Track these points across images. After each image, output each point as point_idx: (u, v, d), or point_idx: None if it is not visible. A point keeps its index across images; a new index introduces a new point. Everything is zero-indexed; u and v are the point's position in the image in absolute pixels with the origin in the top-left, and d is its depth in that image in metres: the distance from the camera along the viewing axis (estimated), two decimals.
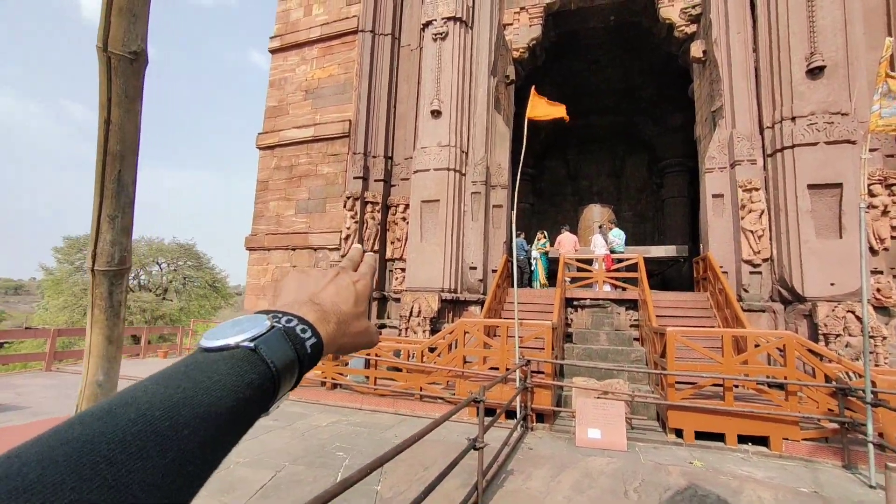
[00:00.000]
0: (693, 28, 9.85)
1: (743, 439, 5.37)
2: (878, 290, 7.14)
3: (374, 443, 5.29)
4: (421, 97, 10.40)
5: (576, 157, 18.38)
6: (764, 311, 7.76)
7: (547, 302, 8.50)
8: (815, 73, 7.54)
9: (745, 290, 7.95)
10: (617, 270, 9.40)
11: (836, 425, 5.02)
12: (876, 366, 6.12)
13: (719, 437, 5.42)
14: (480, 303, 9.30)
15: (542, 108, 6.43)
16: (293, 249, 11.79)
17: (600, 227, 11.09)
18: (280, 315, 0.42)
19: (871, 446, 3.94)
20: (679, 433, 5.58)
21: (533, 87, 6.94)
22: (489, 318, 7.87)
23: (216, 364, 0.35)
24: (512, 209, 6.89)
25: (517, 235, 10.86)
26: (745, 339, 5.97)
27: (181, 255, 23.37)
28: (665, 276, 12.89)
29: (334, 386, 7.42)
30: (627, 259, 9.36)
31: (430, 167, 9.67)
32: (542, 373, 6.35)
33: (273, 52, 13.61)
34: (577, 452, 5.09)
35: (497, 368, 6.43)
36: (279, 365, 0.38)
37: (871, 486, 4.19)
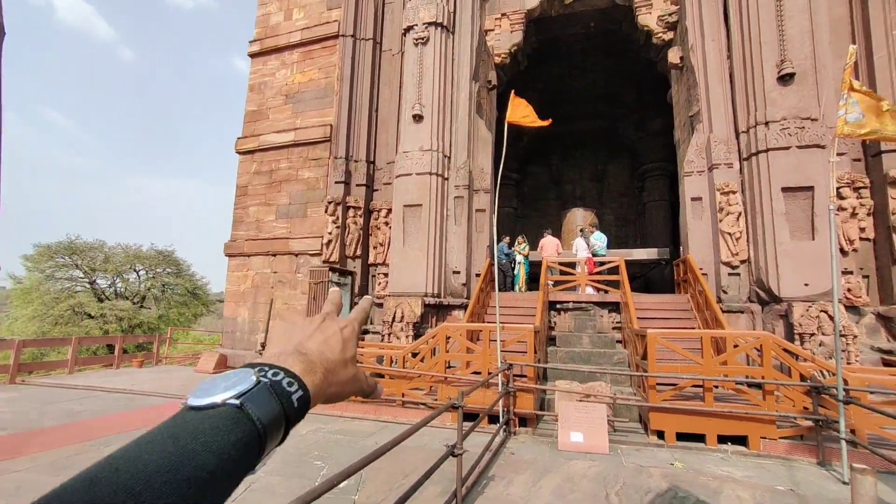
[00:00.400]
0: (670, 35, 10.05)
1: (723, 439, 5.42)
2: (849, 289, 7.34)
3: (354, 451, 5.18)
4: (403, 101, 10.38)
5: (559, 161, 18.57)
6: (742, 312, 7.88)
7: (530, 305, 8.50)
8: (785, 79, 7.75)
9: (725, 292, 8.07)
10: (599, 273, 9.47)
11: (810, 423, 5.09)
12: (848, 364, 6.26)
13: (700, 438, 5.46)
14: (464, 307, 9.26)
15: (521, 112, 6.44)
16: (273, 255, 11.59)
17: (581, 230, 11.18)
18: (266, 368, 0.42)
19: (843, 443, 4.01)
20: (661, 434, 5.60)
21: (512, 91, 6.96)
22: (472, 323, 7.83)
23: (202, 424, 0.35)
24: (494, 213, 6.87)
25: (501, 240, 10.87)
26: (724, 339, 6.04)
27: (160, 262, 22.77)
28: (648, 279, 13.05)
29: None
30: (609, 262, 9.43)
31: (413, 171, 9.63)
32: (525, 376, 6.33)
33: (253, 56, 13.45)
34: (560, 456, 5.06)
35: (480, 373, 6.38)
36: (265, 421, 0.38)
37: (844, 483, 4.26)
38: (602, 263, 9.66)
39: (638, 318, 7.26)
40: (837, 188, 7.56)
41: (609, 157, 18.04)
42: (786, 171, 7.55)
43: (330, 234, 10.50)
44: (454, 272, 9.59)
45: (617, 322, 8.49)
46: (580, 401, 5.88)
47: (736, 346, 5.78)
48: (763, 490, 4.17)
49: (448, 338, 6.83)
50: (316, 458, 4.91)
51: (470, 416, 5.40)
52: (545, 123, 6.51)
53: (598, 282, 9.22)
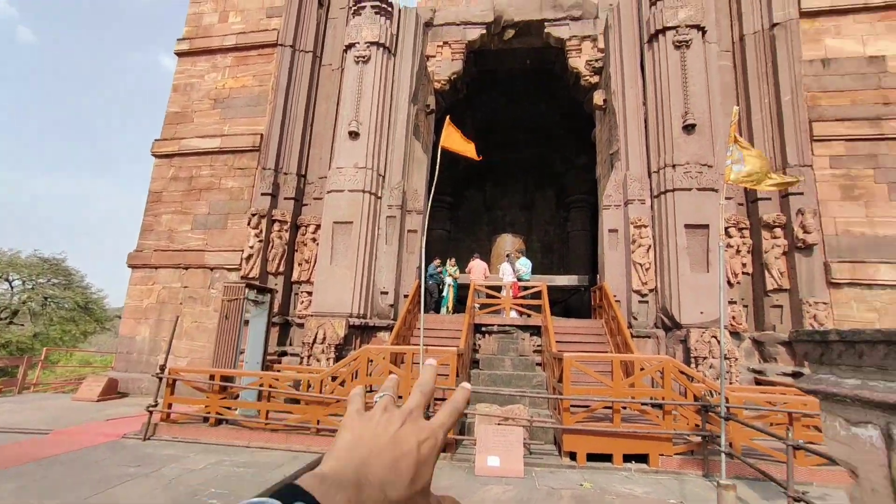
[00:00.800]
0: (596, 79, 10.99)
1: (628, 458, 5.72)
2: (734, 317, 8.28)
3: (258, 485, 4.74)
4: (339, 117, 10.23)
5: (493, 188, 19.25)
6: (650, 337, 8.54)
7: (456, 328, 8.55)
8: (688, 129, 8.75)
9: (635, 318, 8.71)
10: (523, 298, 9.81)
11: (699, 439, 5.57)
12: (731, 384, 7.00)
13: (608, 458, 5.72)
14: (390, 328, 9.07)
15: (453, 139, 6.60)
16: (185, 268, 10.61)
17: (508, 255, 11.59)
18: None
19: (723, 455, 4.42)
20: (573, 456, 5.79)
21: (448, 116, 7.13)
22: (397, 345, 7.68)
23: None
24: (424, 234, 6.89)
25: (431, 261, 10.92)
26: (632, 363, 6.47)
27: (43, 272, 19.65)
28: (568, 304, 13.74)
29: (219, 422, 6.60)
30: (532, 287, 9.82)
31: (345, 188, 9.44)
32: (446, 400, 6.27)
33: (180, 55, 12.58)
34: (476, 482, 5.02)
35: (402, 397, 6.21)
36: None
37: None
38: (526, 288, 10.02)
39: (557, 341, 7.57)
40: (726, 228, 8.59)
41: (538, 187, 19.04)
42: (688, 210, 8.44)
43: (251, 248, 9.87)
44: (382, 292, 9.42)
45: (538, 345, 8.78)
46: (499, 424, 5.93)
47: (642, 369, 6.21)
48: None
49: (370, 360, 6.62)
50: (212, 497, 4.42)
51: None
52: (474, 156, 6.69)
53: (522, 306, 9.53)
